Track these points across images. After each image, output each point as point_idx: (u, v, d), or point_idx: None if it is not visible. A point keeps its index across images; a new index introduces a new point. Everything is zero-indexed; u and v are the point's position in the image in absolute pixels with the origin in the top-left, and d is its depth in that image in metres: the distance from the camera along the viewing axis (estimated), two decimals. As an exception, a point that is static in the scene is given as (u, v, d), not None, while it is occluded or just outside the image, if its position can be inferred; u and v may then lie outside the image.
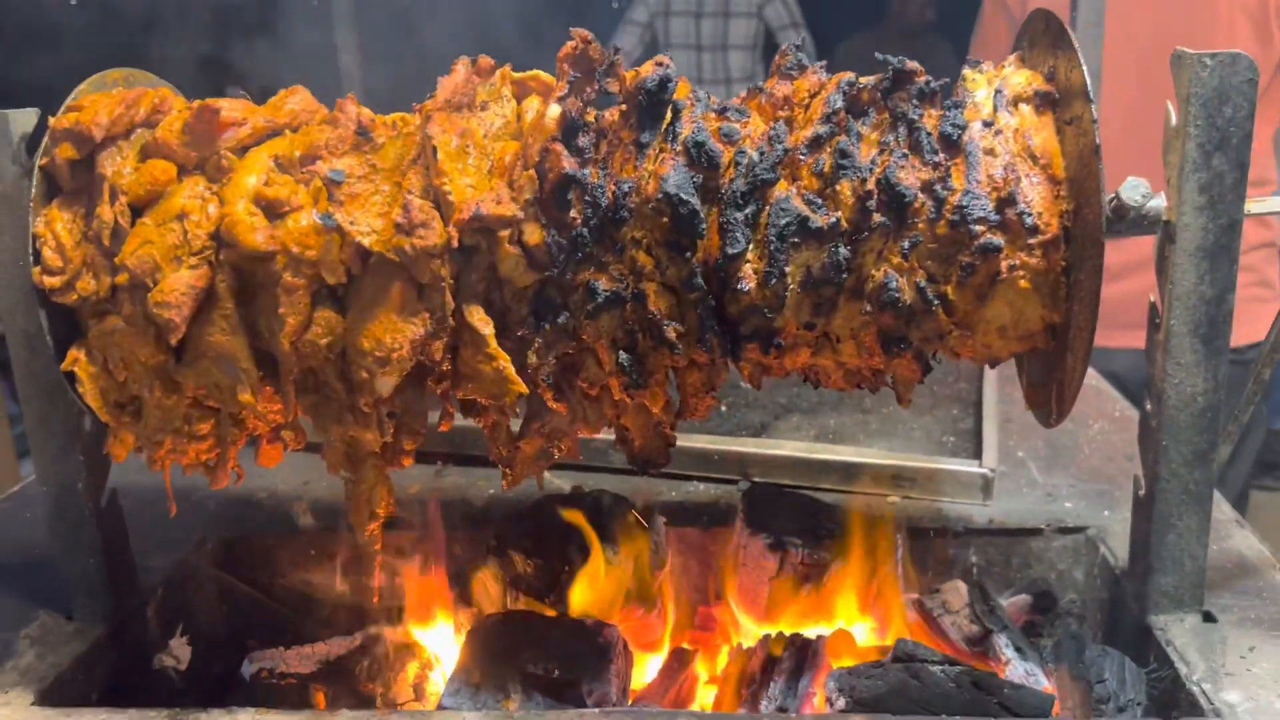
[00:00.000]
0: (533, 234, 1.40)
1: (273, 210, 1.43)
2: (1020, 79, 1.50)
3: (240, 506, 2.33)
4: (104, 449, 1.79)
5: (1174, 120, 1.52)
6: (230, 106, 1.48)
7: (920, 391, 2.66)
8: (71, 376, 1.55)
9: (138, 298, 1.47)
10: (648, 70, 1.44)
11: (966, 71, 1.56)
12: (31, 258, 1.51)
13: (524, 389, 1.42)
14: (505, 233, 1.39)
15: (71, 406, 1.78)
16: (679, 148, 1.44)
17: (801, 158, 1.45)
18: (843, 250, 1.42)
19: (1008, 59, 1.60)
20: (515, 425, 1.66)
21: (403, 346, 1.39)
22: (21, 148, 1.65)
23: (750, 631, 1.95)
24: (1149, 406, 1.65)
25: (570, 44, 1.46)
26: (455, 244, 1.36)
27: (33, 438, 1.81)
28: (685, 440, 2.33)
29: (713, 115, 1.49)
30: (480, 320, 1.40)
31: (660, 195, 1.39)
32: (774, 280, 1.41)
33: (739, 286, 1.42)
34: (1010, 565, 2.13)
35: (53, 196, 1.53)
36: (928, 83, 1.47)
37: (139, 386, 1.54)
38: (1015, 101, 1.48)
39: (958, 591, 1.83)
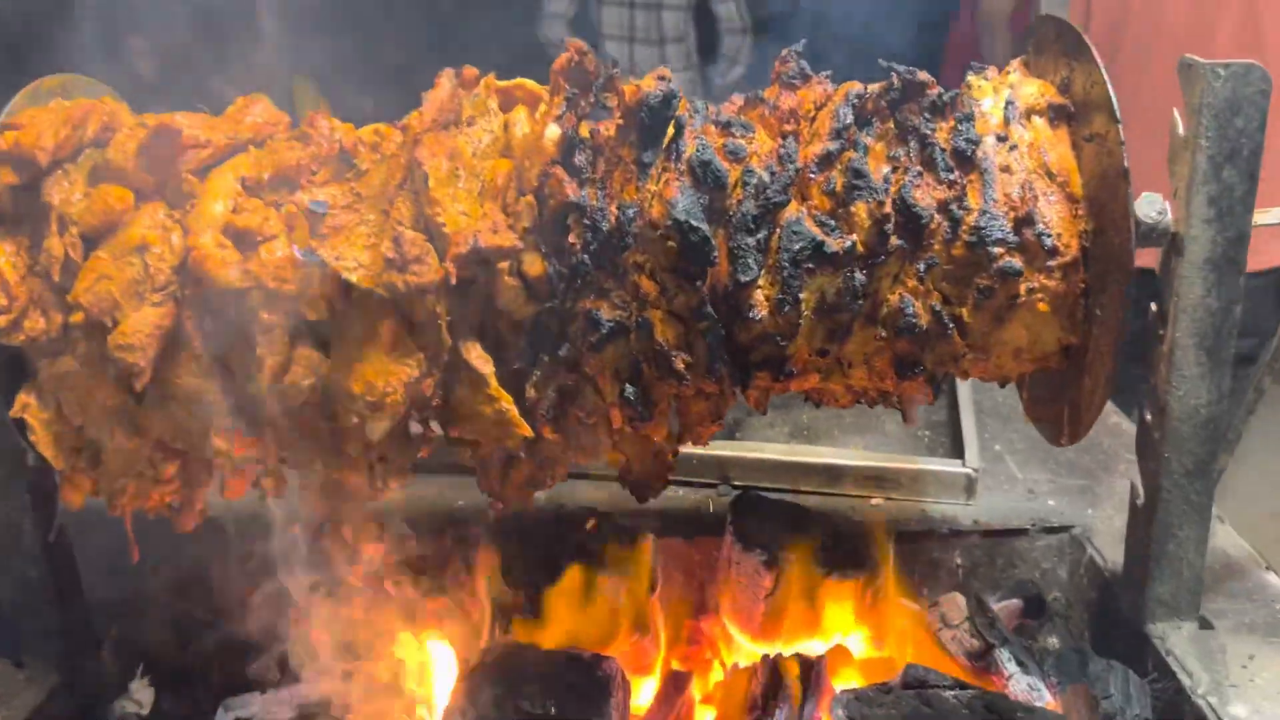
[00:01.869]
0: (533, 264, 1.31)
1: (244, 240, 1.31)
2: (1032, 89, 1.44)
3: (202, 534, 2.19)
4: (58, 496, 1.66)
5: (1181, 130, 1.48)
6: (190, 124, 1.35)
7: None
8: (21, 423, 1.41)
9: (94, 337, 1.34)
10: (650, 85, 1.35)
11: (971, 78, 1.50)
12: (-31, 295, 1.36)
13: (529, 433, 1.34)
14: (505, 264, 1.29)
15: (11, 440, 1.64)
16: (683, 167, 1.36)
17: (811, 176, 1.37)
18: (859, 275, 1.35)
19: (1011, 64, 1.54)
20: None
21: (396, 390, 1.29)
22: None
23: (743, 649, 1.90)
24: (1149, 417, 1.63)
25: (565, 55, 1.36)
26: (453, 280, 1.26)
27: (-31, 478, 1.67)
28: (661, 443, 2.26)
29: (715, 130, 1.40)
30: (479, 359, 1.31)
31: (670, 221, 1.31)
32: (787, 308, 1.34)
33: (750, 314, 1.35)
34: (995, 565, 2.11)
35: (-7, 226, 1.38)
36: (940, 95, 1.40)
37: (97, 430, 1.41)
38: (1028, 114, 1.42)
39: (956, 604, 1.80)
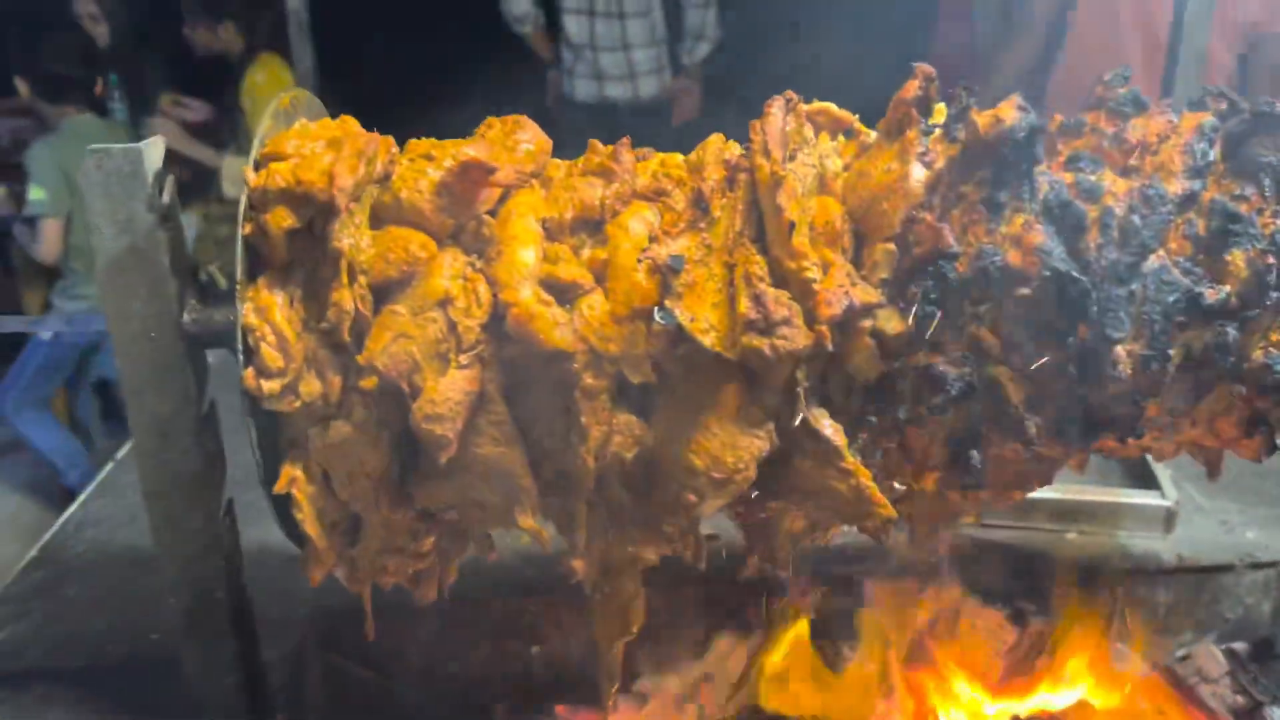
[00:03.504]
0: (891, 321, 1.16)
1: (563, 295, 1.14)
2: (1386, 121, 1.32)
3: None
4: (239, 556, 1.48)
5: None
6: (489, 157, 1.17)
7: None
8: (283, 500, 1.23)
9: (376, 402, 1.17)
10: (1010, 116, 1.20)
11: (1288, 107, 1.38)
12: (241, 356, 1.17)
13: (893, 514, 1.19)
14: (867, 323, 1.14)
15: (210, 504, 1.45)
16: (1037, 208, 1.22)
17: (1170, 217, 1.25)
18: (1231, 330, 1.23)
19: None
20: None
21: (748, 466, 1.13)
22: (157, 189, 1.31)
23: (966, 703, 1.79)
24: None
25: (913, 82, 1.20)
26: (828, 345, 1.10)
27: (161, 540, 1.48)
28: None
29: (1061, 167, 1.27)
30: (832, 430, 1.16)
31: (1047, 271, 1.17)
32: (1155, 365, 1.22)
33: (1114, 373, 1.21)
34: (1199, 603, 2.02)
35: (256, 272, 1.19)
36: (1299, 128, 1.28)
37: (363, 504, 1.23)
38: (1383, 148, 1.31)
39: (1213, 657, 1.71)
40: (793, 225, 1.10)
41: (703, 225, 1.16)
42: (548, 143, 1.31)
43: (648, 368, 1.15)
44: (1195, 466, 2.27)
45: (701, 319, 1.11)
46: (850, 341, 1.15)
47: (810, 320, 1.11)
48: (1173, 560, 2.01)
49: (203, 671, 1.53)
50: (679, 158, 1.29)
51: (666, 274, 1.11)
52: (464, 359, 1.13)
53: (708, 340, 1.10)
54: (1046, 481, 1.35)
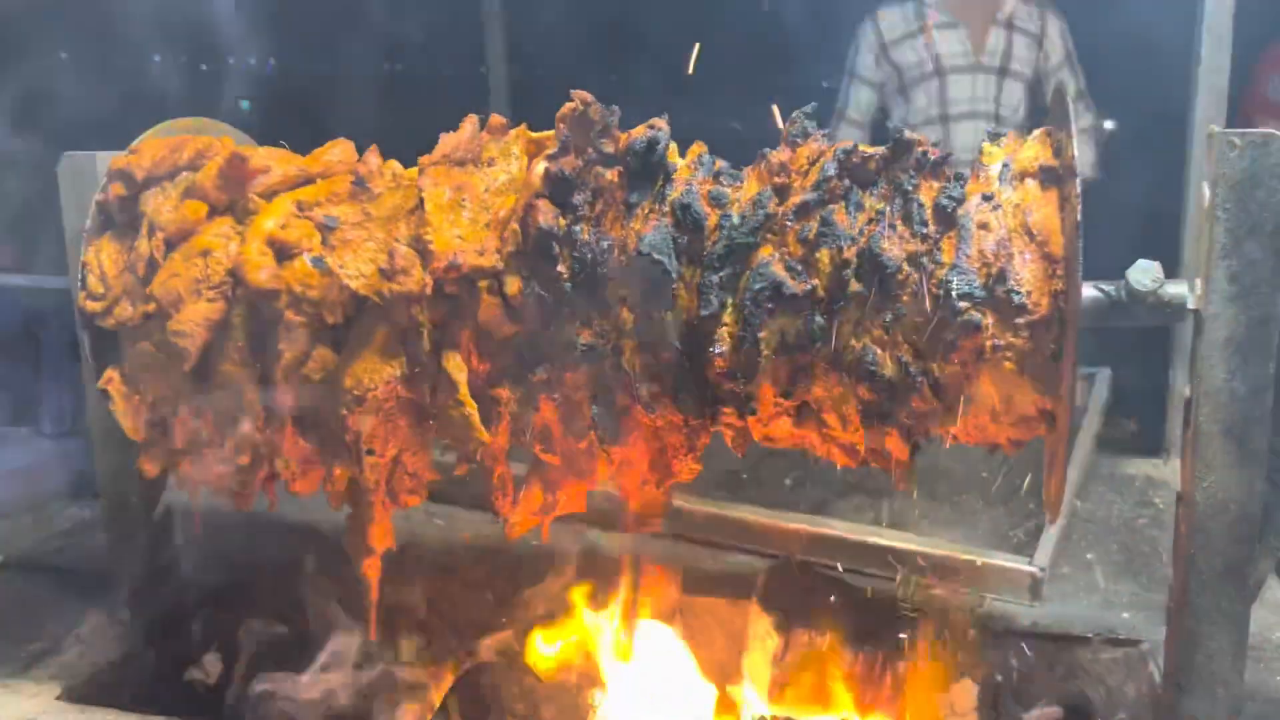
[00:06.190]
0: (512, 285, 1.44)
1: (284, 252, 1.52)
2: (1029, 153, 1.43)
3: (302, 535, 2.43)
4: (138, 465, 1.93)
5: (1206, 201, 1.42)
6: (260, 155, 1.59)
7: (996, 482, 2.54)
8: (106, 394, 1.68)
9: (162, 325, 1.59)
10: (639, 132, 1.46)
11: (985, 145, 1.51)
12: (80, 284, 1.66)
13: (488, 438, 1.45)
14: (485, 283, 1.43)
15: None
16: (666, 209, 1.45)
17: (789, 224, 1.43)
18: (818, 319, 1.38)
19: (1034, 133, 1.53)
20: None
21: (377, 386, 1.44)
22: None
23: (755, 709, 1.88)
24: (1181, 511, 1.51)
25: (569, 105, 1.50)
26: (429, 290, 1.41)
27: (97, 451, 1.98)
28: (732, 511, 2.30)
29: (707, 179, 1.49)
30: (455, 367, 1.44)
31: (637, 253, 1.40)
32: (747, 344, 1.39)
33: (713, 349, 1.40)
34: (1053, 673, 1.97)
35: (106, 229, 1.68)
36: (925, 154, 1.43)
37: (166, 407, 1.65)
38: (1021, 175, 1.42)
39: (966, 692, 1.71)
40: (423, 202, 1.42)
41: (363, 198, 1.50)
42: (352, 156, 1.71)
43: (339, 311, 1.50)
44: (1122, 554, 2.24)
45: (352, 268, 1.45)
46: (477, 299, 1.44)
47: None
48: (1026, 625, 1.98)
49: (116, 557, 1.99)
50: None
51: (322, 230, 1.46)
52: (211, 294, 1.53)
53: (354, 284, 1.44)
54: (692, 450, 1.52)
